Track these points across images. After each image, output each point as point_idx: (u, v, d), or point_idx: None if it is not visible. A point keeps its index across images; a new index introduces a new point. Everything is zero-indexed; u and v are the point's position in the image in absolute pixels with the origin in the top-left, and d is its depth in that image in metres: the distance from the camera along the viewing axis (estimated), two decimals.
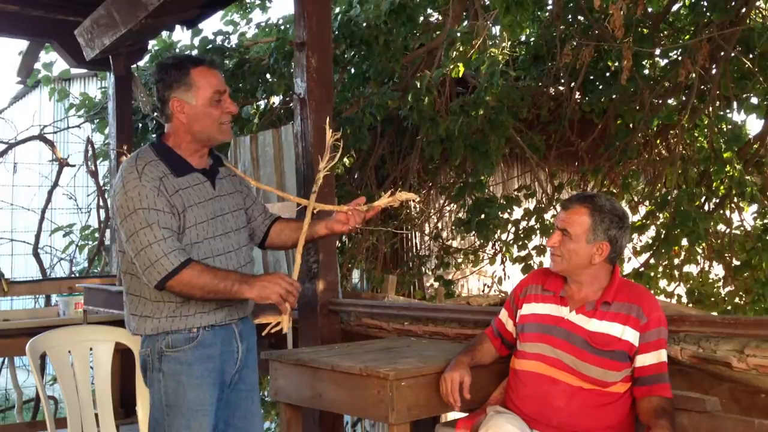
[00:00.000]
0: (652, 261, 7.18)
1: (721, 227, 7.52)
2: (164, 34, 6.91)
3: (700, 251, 7.50)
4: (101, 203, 6.92)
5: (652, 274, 7.23)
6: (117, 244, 2.56)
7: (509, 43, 7.62)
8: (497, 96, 6.59)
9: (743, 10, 6.62)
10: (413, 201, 2.64)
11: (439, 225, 8.10)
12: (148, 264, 2.37)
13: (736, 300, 7.26)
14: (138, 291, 2.50)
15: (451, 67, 6.58)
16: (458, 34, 6.65)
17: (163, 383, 2.48)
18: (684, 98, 7.38)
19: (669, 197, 6.92)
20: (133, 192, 2.39)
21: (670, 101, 7.66)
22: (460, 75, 6.80)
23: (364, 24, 6.57)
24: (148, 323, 2.49)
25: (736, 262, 7.28)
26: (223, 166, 2.69)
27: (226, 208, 2.60)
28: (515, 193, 7.87)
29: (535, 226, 7.53)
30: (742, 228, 7.48)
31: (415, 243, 8.09)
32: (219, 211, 2.56)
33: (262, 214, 2.80)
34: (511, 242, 7.63)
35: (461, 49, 6.55)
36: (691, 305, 7.11)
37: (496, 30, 7.55)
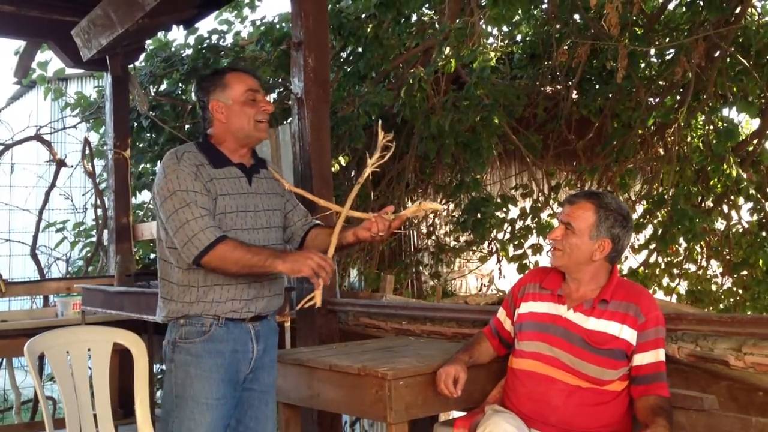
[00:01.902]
0: (650, 259, 7.20)
1: (719, 225, 7.54)
2: (160, 33, 6.90)
3: (698, 249, 7.52)
4: (98, 203, 6.91)
5: (649, 271, 7.25)
6: (156, 231, 2.69)
7: (506, 41, 7.62)
8: (489, 92, 6.59)
9: (738, 8, 6.63)
10: (438, 211, 2.66)
11: (437, 223, 8.09)
12: (185, 240, 2.48)
13: (735, 297, 7.27)
14: (168, 276, 2.61)
15: (442, 63, 6.58)
16: (451, 31, 6.66)
17: (174, 373, 2.56)
18: (680, 97, 7.40)
19: (666, 196, 6.94)
20: (172, 175, 2.52)
21: (666, 100, 7.67)
22: (452, 70, 6.79)
23: (354, 17, 6.58)
24: (171, 306, 2.59)
25: (733, 259, 7.30)
26: (265, 168, 2.78)
27: (260, 205, 2.68)
28: (512, 192, 7.87)
29: (532, 226, 7.54)
30: (739, 225, 7.49)
31: (413, 242, 8.09)
32: (252, 207, 2.65)
33: (302, 219, 2.87)
34: (507, 241, 7.63)
35: (454, 44, 6.55)
36: (689, 303, 7.13)
37: (490, 28, 7.56)
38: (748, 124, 7.97)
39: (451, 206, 7.95)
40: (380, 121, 2.76)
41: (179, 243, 2.50)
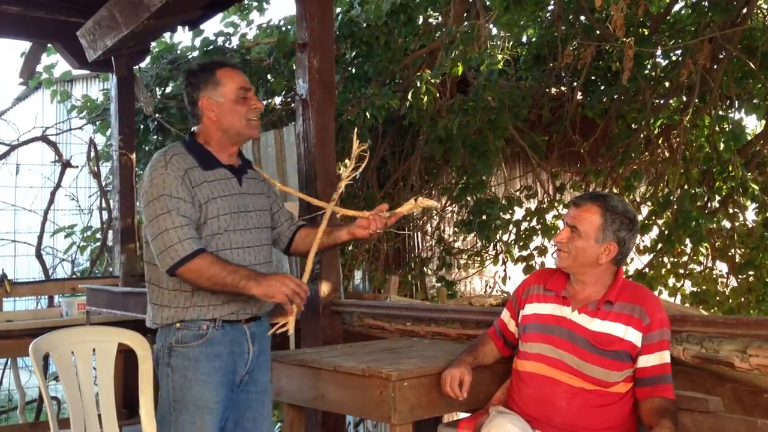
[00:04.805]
0: (656, 260, 7.18)
1: (725, 224, 7.52)
2: (166, 35, 6.92)
3: (703, 251, 7.50)
4: (103, 204, 6.92)
5: (655, 272, 7.23)
6: (144, 234, 2.66)
7: (510, 43, 7.62)
8: (495, 94, 6.59)
9: (744, 10, 6.62)
10: (434, 208, 2.68)
11: (441, 226, 8.09)
12: (162, 248, 2.46)
13: (740, 299, 7.25)
14: (157, 281, 2.58)
15: (450, 66, 6.58)
16: (458, 35, 6.66)
17: (171, 378, 2.54)
18: (685, 98, 7.39)
19: (671, 197, 6.92)
20: (159, 179, 2.50)
21: (671, 101, 7.66)
22: (459, 74, 6.79)
23: (365, 24, 6.57)
24: (164, 312, 2.56)
25: (739, 260, 7.27)
26: (251, 168, 2.78)
27: (250, 205, 2.68)
28: (516, 193, 7.87)
29: (537, 227, 7.53)
30: (744, 226, 7.47)
31: (417, 243, 8.09)
32: (243, 207, 2.64)
33: (288, 220, 2.88)
34: (512, 243, 7.63)
35: (461, 47, 6.56)
36: (693, 305, 7.11)
37: (496, 30, 7.56)
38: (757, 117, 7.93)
39: (456, 208, 7.95)
40: (356, 131, 2.78)
41: (156, 250, 2.48)
